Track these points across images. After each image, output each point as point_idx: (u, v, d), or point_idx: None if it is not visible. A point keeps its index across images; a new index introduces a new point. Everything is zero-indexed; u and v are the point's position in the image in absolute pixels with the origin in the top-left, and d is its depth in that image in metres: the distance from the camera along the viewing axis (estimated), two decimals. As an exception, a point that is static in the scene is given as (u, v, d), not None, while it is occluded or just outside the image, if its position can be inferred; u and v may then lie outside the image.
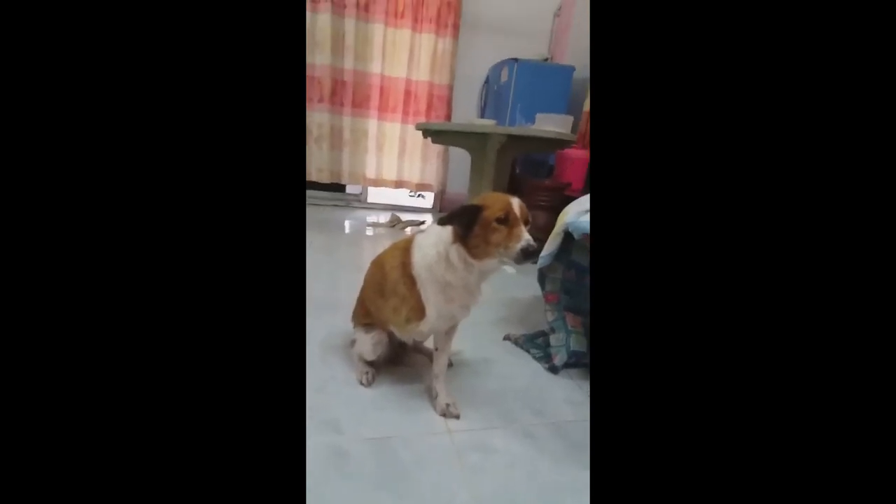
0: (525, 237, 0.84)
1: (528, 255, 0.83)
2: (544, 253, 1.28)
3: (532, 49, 3.30)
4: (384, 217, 3.24)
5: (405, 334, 1.05)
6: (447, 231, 0.90)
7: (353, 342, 1.16)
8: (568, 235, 1.20)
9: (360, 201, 3.76)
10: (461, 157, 3.17)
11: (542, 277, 1.35)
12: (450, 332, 1.06)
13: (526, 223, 0.87)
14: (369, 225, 3.05)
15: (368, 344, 1.10)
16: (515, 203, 0.87)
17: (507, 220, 0.85)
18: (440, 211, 3.77)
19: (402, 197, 3.86)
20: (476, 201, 0.89)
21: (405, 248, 1.00)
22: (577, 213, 1.16)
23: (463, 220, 0.87)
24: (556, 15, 3.43)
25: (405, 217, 3.22)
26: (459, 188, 3.59)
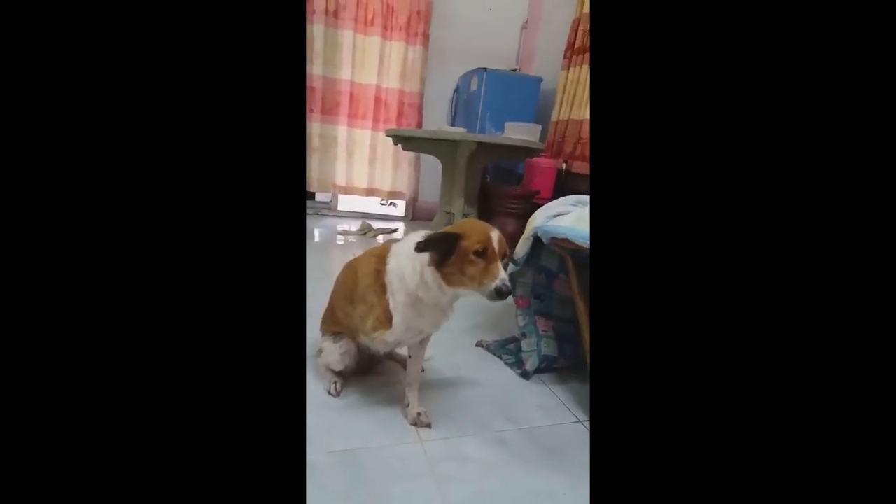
0: (501, 276, 0.82)
1: (502, 294, 0.82)
2: (514, 258, 1.28)
3: (500, 60, 3.36)
4: (355, 225, 3.20)
5: (372, 343, 1.03)
6: (424, 253, 0.88)
7: (319, 351, 1.12)
8: (537, 240, 1.21)
9: (329, 209, 3.69)
10: (433, 166, 3.17)
11: (513, 282, 1.35)
12: (424, 340, 1.05)
13: (503, 257, 0.86)
14: (339, 233, 3.00)
15: (336, 354, 1.06)
16: (495, 237, 0.85)
17: (484, 253, 0.83)
18: (412, 219, 3.76)
19: (373, 205, 3.82)
20: (456, 229, 0.88)
21: (381, 255, 0.98)
22: (546, 218, 1.17)
23: (440, 247, 0.85)
24: (524, 27, 3.52)
25: (376, 225, 3.19)
26: (431, 196, 3.59)
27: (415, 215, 3.77)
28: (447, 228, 0.90)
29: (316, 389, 1.08)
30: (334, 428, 0.95)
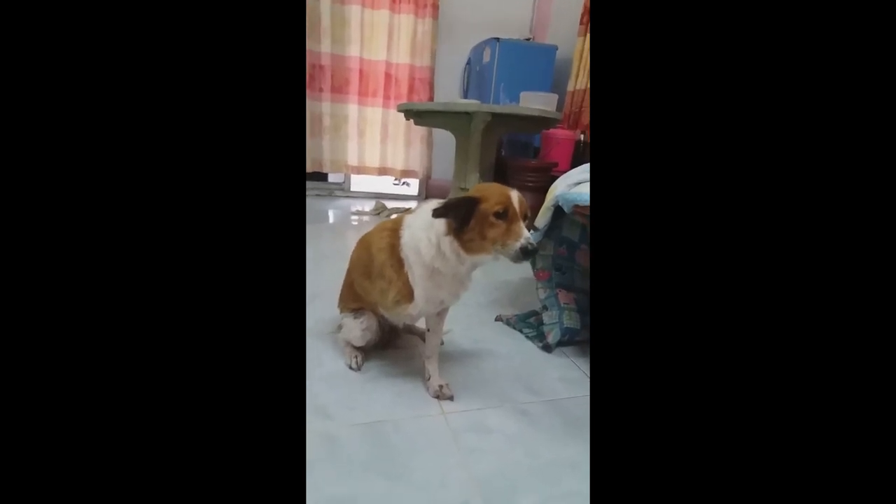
0: (525, 235, 0.79)
1: (528, 254, 0.79)
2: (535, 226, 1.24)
3: (513, 29, 3.24)
4: (369, 205, 3.18)
5: (394, 317, 1.02)
6: (441, 220, 0.85)
7: (339, 327, 1.12)
8: (558, 210, 1.17)
9: (343, 190, 3.68)
10: (445, 143, 3.11)
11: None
12: (441, 313, 1.03)
13: (524, 218, 0.83)
14: (354, 214, 2.99)
15: (357, 330, 1.06)
16: (515, 196, 0.82)
17: (505, 214, 0.81)
18: (425, 198, 3.72)
19: (386, 184, 3.78)
20: (473, 193, 0.84)
21: (394, 228, 0.95)
22: (567, 186, 1.13)
23: (459, 212, 0.81)
24: (537, -6, 3.37)
25: (390, 205, 3.16)
26: (444, 175, 3.53)
27: (428, 194, 3.73)
28: (464, 193, 0.87)
29: (337, 364, 1.08)
30: (356, 401, 0.95)
